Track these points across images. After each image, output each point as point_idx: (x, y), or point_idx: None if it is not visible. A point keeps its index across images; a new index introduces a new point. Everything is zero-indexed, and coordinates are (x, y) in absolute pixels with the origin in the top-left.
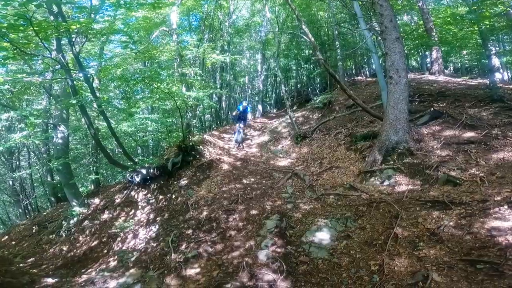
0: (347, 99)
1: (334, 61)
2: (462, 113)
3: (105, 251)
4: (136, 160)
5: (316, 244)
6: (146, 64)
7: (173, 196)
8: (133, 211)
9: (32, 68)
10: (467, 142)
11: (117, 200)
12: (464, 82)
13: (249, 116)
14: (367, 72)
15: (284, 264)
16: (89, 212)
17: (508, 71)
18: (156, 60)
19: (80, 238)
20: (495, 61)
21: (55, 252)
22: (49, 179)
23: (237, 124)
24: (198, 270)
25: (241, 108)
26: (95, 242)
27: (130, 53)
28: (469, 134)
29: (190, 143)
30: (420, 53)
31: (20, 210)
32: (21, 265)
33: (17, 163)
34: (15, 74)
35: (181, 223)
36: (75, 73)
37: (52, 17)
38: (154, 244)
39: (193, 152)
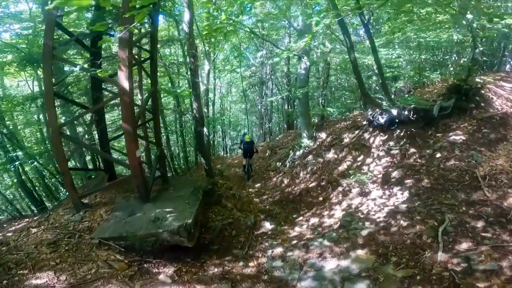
0: None
1: None
2: None
3: (321, 198)
4: (393, 97)
5: None
6: None
7: (437, 155)
8: (362, 157)
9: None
10: None
11: (346, 140)
12: None
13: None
14: None
15: None
16: (315, 146)
17: None
18: None
19: (301, 174)
20: None
21: (276, 182)
22: (285, 107)
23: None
24: None
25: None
26: (313, 184)
27: None
28: None
29: (474, 85)
30: None
31: (261, 132)
32: (250, 190)
33: (265, 91)
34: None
35: (461, 204)
36: None
37: None
38: (404, 223)
39: (477, 98)
